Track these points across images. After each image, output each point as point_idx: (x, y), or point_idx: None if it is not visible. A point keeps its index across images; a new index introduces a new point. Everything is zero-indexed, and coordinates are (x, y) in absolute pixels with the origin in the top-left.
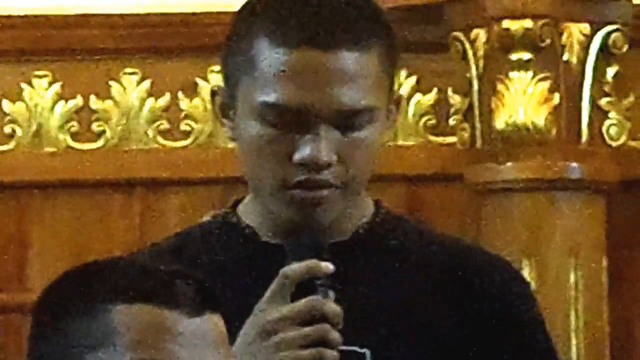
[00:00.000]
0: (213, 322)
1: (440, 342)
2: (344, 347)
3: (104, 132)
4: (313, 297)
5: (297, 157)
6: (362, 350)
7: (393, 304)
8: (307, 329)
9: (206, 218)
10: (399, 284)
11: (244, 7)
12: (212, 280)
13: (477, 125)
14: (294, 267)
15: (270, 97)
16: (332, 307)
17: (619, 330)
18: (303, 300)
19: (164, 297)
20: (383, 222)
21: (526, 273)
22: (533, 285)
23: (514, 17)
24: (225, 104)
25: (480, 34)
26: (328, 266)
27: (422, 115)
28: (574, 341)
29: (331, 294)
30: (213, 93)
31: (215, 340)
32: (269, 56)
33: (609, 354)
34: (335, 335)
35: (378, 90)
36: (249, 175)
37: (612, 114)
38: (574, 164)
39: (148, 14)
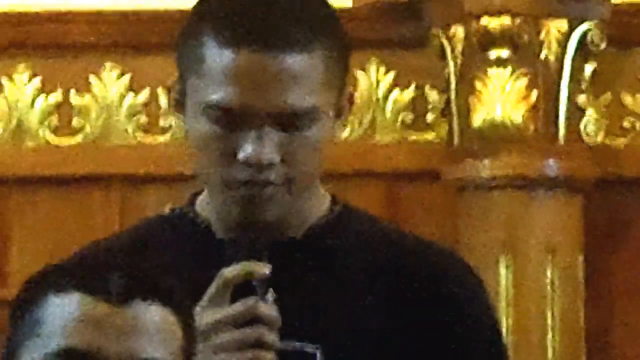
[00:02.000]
0: (144, 312)
1: (387, 343)
2: (295, 345)
3: (83, 127)
4: (249, 298)
5: (240, 156)
6: (313, 350)
7: (343, 303)
8: (242, 331)
9: (165, 211)
10: (349, 282)
11: (195, 6)
12: (164, 274)
13: (455, 122)
14: (231, 269)
15: (215, 97)
16: (267, 308)
17: (596, 328)
18: (239, 303)
19: (92, 287)
20: (337, 219)
21: (503, 270)
22: (510, 282)
23: (492, 14)
24: (178, 100)
25: (459, 31)
26: (265, 268)
27: (399, 112)
28: (550, 338)
29: (270, 294)
30: (169, 89)
31: (145, 329)
32: (215, 56)
33: (586, 352)
34: (271, 337)
35: (323, 91)
36: (197, 171)
37: (589, 112)
38: (551, 162)
39: (128, 11)
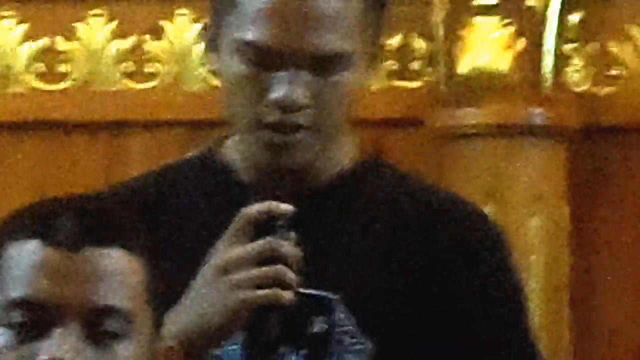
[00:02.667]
0: (99, 257)
1: (410, 288)
2: (315, 292)
3: (69, 73)
4: (271, 237)
5: (271, 97)
6: (333, 297)
7: (366, 250)
8: (262, 269)
9: (190, 154)
10: (373, 230)
11: None
12: (186, 218)
13: (441, 70)
14: (253, 208)
15: (248, 35)
16: (289, 248)
17: (580, 276)
18: (260, 241)
19: (47, 233)
20: (363, 169)
21: None
22: None
23: None
24: (211, 40)
25: None
26: (287, 208)
27: (386, 59)
28: (534, 286)
29: (292, 235)
30: (203, 28)
31: (101, 275)
32: None
33: (569, 300)
34: (291, 277)
35: (359, 36)
36: (227, 112)
37: (575, 60)
38: (537, 110)
39: None
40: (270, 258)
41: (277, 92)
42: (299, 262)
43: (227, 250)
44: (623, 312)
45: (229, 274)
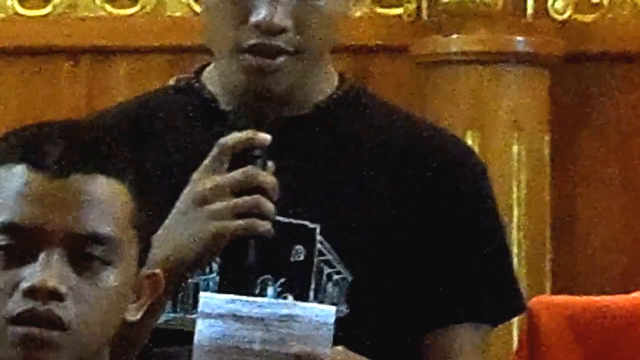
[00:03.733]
0: (86, 184)
1: (390, 218)
2: (294, 221)
3: None
4: (248, 167)
5: (252, 19)
6: (313, 225)
7: (347, 180)
8: (240, 199)
9: (170, 82)
10: (355, 160)
11: None
12: (167, 147)
13: None
14: (231, 137)
15: None
16: (267, 177)
17: (561, 204)
18: (238, 171)
19: (34, 159)
20: (344, 97)
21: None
22: None
23: None
24: None
25: None
26: (265, 137)
27: None
28: (515, 213)
29: (270, 165)
30: None
31: (87, 202)
32: None
33: (550, 227)
34: (269, 206)
35: None
36: (208, 38)
37: None
38: (519, 37)
39: None
40: (248, 188)
41: (258, 14)
42: (276, 191)
43: (204, 180)
44: (604, 240)
45: (207, 203)
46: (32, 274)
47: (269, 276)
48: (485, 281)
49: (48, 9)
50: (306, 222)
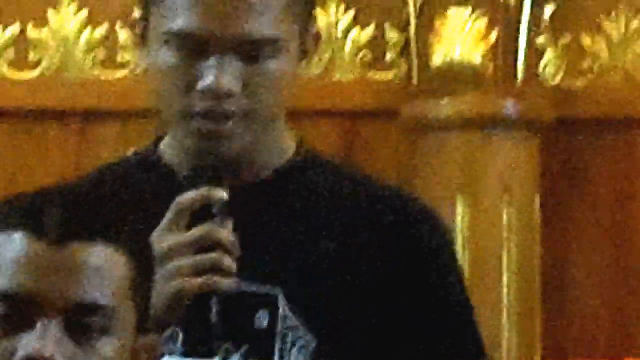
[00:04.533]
0: (83, 252)
1: (352, 282)
2: (256, 288)
3: (40, 61)
4: (207, 224)
5: (200, 85)
6: (275, 292)
7: (306, 245)
8: (200, 256)
9: (129, 153)
10: (314, 226)
11: None
12: (127, 218)
13: (414, 61)
14: (188, 195)
15: (176, 25)
16: (226, 234)
17: (551, 269)
18: (196, 228)
19: (32, 225)
20: (303, 163)
21: (460, 209)
22: (466, 221)
23: None
24: (141, 34)
25: None
26: (222, 194)
27: (359, 50)
28: (505, 278)
29: (228, 222)
30: (133, 24)
31: (84, 270)
32: None
33: (541, 292)
34: (229, 263)
35: (286, 22)
36: (159, 105)
37: (548, 53)
38: (509, 102)
39: None
40: (207, 245)
41: (206, 80)
42: (236, 247)
43: (163, 239)
44: (595, 302)
45: (168, 261)
46: (27, 344)
47: (231, 344)
48: (448, 341)
49: (37, 71)
50: (269, 288)
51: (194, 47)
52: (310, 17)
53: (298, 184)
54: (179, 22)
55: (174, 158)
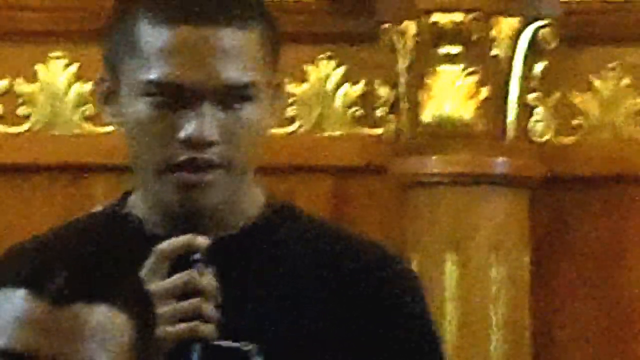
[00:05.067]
0: (86, 313)
1: (325, 342)
2: (231, 344)
3: (29, 115)
4: (188, 271)
5: (181, 135)
6: (250, 348)
7: (281, 300)
8: (181, 304)
9: (97, 209)
10: (286, 280)
11: None
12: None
13: (404, 117)
14: (169, 243)
15: (153, 75)
16: (207, 281)
17: (541, 327)
18: (177, 275)
19: (36, 284)
20: (274, 216)
21: (449, 267)
22: (456, 279)
23: (444, 10)
24: (108, 91)
25: (410, 27)
26: (203, 240)
27: (349, 106)
28: (494, 337)
29: (209, 269)
30: (97, 82)
31: (87, 332)
32: (151, 35)
33: (531, 351)
34: (210, 309)
35: (260, 69)
36: (134, 160)
37: (538, 110)
38: (500, 159)
39: None
40: (189, 292)
41: (187, 130)
42: (217, 294)
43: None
44: None
45: None
46: None
47: None
48: None
49: (25, 126)
50: (241, 344)
51: (171, 97)
52: (275, 66)
53: (269, 238)
54: (157, 71)
55: (144, 215)
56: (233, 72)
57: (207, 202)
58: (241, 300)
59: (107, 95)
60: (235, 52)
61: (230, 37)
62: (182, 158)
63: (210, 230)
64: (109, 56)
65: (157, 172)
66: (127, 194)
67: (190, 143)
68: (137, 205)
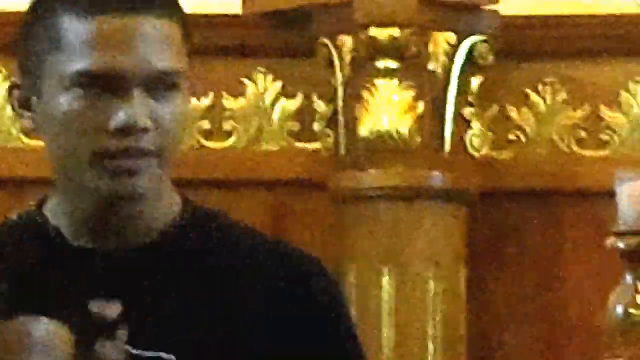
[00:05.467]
0: (29, 327)
1: (244, 349)
2: (149, 354)
3: None
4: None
5: (113, 124)
6: (167, 356)
7: (199, 309)
8: None
9: (11, 216)
10: (205, 288)
11: None
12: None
13: (341, 132)
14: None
15: (80, 65)
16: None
17: (477, 340)
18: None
19: None
20: (191, 222)
21: (386, 281)
22: (392, 292)
23: (380, 24)
24: (25, 95)
25: (347, 41)
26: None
27: (286, 121)
28: (431, 350)
29: (122, 334)
30: (11, 88)
31: (29, 344)
32: (74, 27)
33: None
34: None
35: (182, 58)
36: (58, 158)
37: (475, 124)
38: (436, 173)
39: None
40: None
41: (119, 118)
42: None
43: None
44: None
45: None
46: None
47: None
48: None
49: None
50: (160, 354)
51: (100, 86)
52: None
53: (188, 245)
54: (84, 62)
55: (61, 222)
56: (162, 60)
57: (137, 189)
58: (157, 310)
59: (25, 101)
60: (161, 40)
61: (154, 26)
62: (117, 146)
63: (130, 238)
64: (27, 59)
65: (89, 163)
66: (42, 200)
67: (123, 131)
68: (55, 213)
